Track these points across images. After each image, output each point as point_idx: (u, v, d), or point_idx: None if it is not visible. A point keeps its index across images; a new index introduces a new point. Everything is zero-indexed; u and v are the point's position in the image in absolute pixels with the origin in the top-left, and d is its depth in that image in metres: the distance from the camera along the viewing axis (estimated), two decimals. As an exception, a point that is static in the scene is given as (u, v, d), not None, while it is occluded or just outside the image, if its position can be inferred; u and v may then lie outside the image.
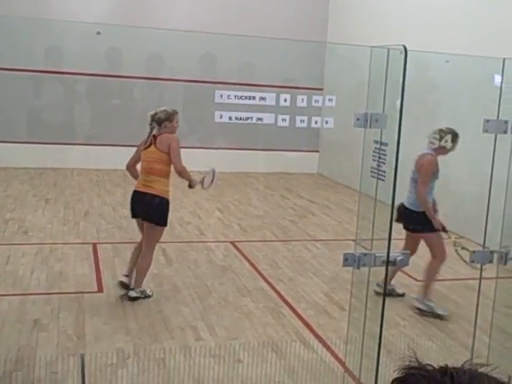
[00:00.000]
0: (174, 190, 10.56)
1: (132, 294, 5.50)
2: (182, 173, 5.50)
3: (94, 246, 7.19)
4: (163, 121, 5.46)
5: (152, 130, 5.51)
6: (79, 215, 8.67)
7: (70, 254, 6.83)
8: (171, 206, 5.62)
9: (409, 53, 3.02)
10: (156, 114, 5.48)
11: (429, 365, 0.82)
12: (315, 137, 13.12)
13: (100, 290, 5.80)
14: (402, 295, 6.01)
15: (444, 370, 0.79)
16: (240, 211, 9.57)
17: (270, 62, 12.13)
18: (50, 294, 5.60)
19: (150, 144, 5.47)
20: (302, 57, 12.64)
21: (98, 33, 11.01)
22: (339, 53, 11.82)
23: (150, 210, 5.43)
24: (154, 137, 5.48)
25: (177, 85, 12.27)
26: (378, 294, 3.85)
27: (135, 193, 5.56)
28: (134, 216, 5.63)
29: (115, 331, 4.87)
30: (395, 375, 0.82)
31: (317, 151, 13.52)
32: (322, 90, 11.72)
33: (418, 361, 0.83)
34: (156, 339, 4.79)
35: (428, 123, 9.07)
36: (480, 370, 0.79)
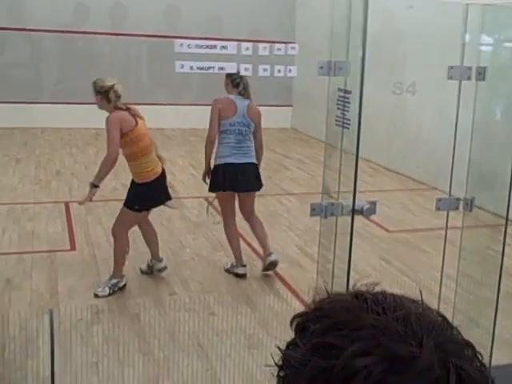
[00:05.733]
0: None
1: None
2: None
3: (67, 204, 7.12)
4: None
5: None
6: (51, 174, 8.57)
7: (42, 213, 6.77)
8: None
9: (371, -2, 2.97)
10: None
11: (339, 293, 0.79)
12: (288, 91, 13.03)
13: (73, 248, 5.78)
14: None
15: (356, 294, 0.77)
16: (214, 167, 9.53)
17: (239, 14, 11.94)
18: (22, 253, 5.57)
19: None
20: (272, 9, 12.45)
21: None
22: (309, 3, 11.65)
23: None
24: None
25: (140, 40, 12.05)
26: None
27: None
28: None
29: (88, 288, 4.87)
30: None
31: (290, 106, 13.46)
32: (294, 43, 11.59)
33: (327, 291, 0.80)
34: (130, 295, 4.81)
35: (397, 71, 9.08)
36: (393, 293, 0.79)
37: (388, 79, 8.65)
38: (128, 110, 4.70)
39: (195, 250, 5.86)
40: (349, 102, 2.90)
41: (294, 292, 5.00)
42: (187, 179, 8.76)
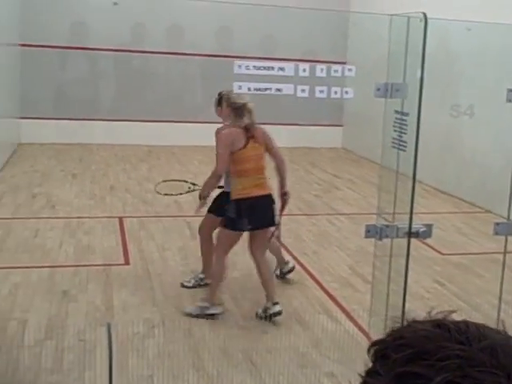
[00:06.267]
0: (199, 165, 10.69)
1: None
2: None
3: (120, 219, 7.29)
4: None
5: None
6: (105, 190, 8.79)
7: (97, 227, 6.95)
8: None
9: (429, 21, 2.99)
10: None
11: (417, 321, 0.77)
12: (339, 111, 13.03)
13: (127, 262, 5.91)
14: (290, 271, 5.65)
15: (438, 323, 0.75)
16: (264, 185, 9.60)
17: (291, 34, 12.03)
18: (78, 266, 5.72)
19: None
20: (325, 30, 12.51)
21: (115, 3, 11.04)
22: (362, 25, 11.66)
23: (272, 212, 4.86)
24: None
25: (196, 60, 12.25)
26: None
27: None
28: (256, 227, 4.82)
29: (142, 302, 4.97)
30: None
31: (340, 125, 13.45)
32: (345, 63, 11.61)
33: (407, 319, 0.78)
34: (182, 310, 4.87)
35: (452, 93, 8.97)
36: (476, 322, 0.77)
37: (442, 100, 8.58)
38: (246, 129, 4.62)
39: (246, 268, 5.88)
40: (406, 125, 2.91)
41: (346, 312, 4.98)
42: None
